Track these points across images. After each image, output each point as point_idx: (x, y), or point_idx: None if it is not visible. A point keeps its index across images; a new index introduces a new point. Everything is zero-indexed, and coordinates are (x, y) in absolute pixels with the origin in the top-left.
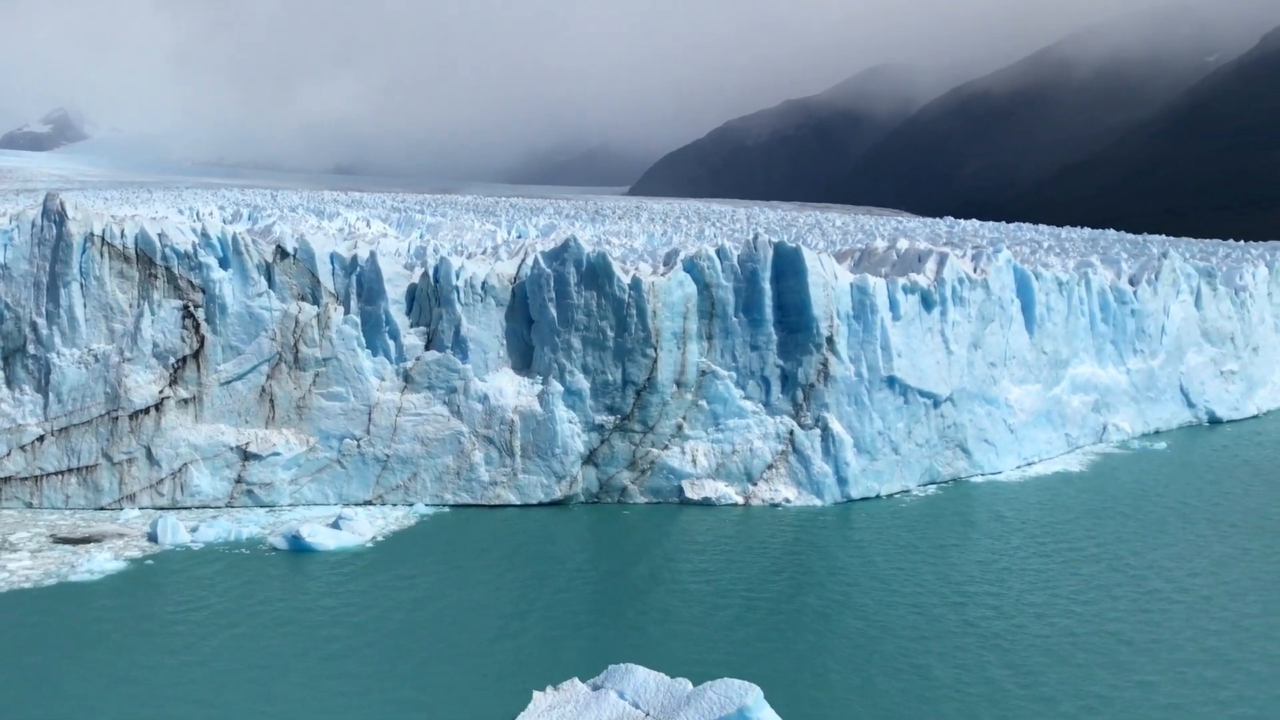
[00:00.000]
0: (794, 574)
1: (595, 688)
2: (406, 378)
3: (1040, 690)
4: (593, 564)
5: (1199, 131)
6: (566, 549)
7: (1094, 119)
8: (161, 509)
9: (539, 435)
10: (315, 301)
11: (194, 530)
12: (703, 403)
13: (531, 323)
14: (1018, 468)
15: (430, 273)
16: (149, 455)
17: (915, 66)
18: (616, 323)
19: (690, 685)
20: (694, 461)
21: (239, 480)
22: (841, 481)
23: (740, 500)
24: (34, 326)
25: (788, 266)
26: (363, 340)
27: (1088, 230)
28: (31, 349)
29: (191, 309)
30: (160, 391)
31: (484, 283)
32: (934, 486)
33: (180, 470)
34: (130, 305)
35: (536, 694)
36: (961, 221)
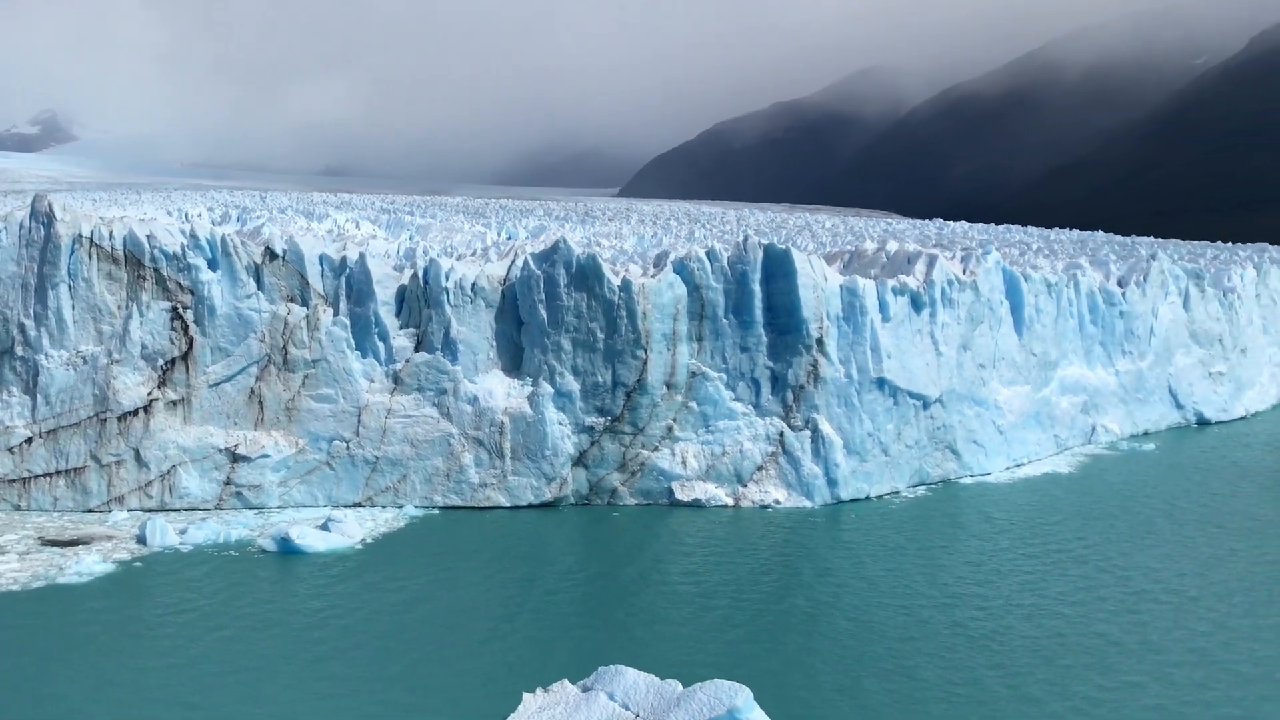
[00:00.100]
0: (783, 575)
1: (585, 689)
2: (396, 379)
3: (1027, 691)
4: (583, 565)
5: (1187, 134)
6: (556, 551)
7: (1083, 121)
8: (150, 511)
9: (529, 437)
10: (304, 303)
11: (183, 532)
12: (693, 404)
13: (521, 324)
14: (1007, 469)
15: (420, 274)
16: (137, 457)
17: (905, 69)
18: (606, 324)
19: (680, 686)
20: (684, 463)
21: (228, 482)
22: (831, 483)
23: (730, 502)
24: (22, 328)
25: (777, 268)
26: (352, 342)
27: (1076, 232)
28: (19, 351)
29: (180, 310)
30: (149, 393)
31: (474, 284)
32: (923, 488)
33: (169, 472)
34: (119, 307)
35: (526, 696)
36: (951, 223)
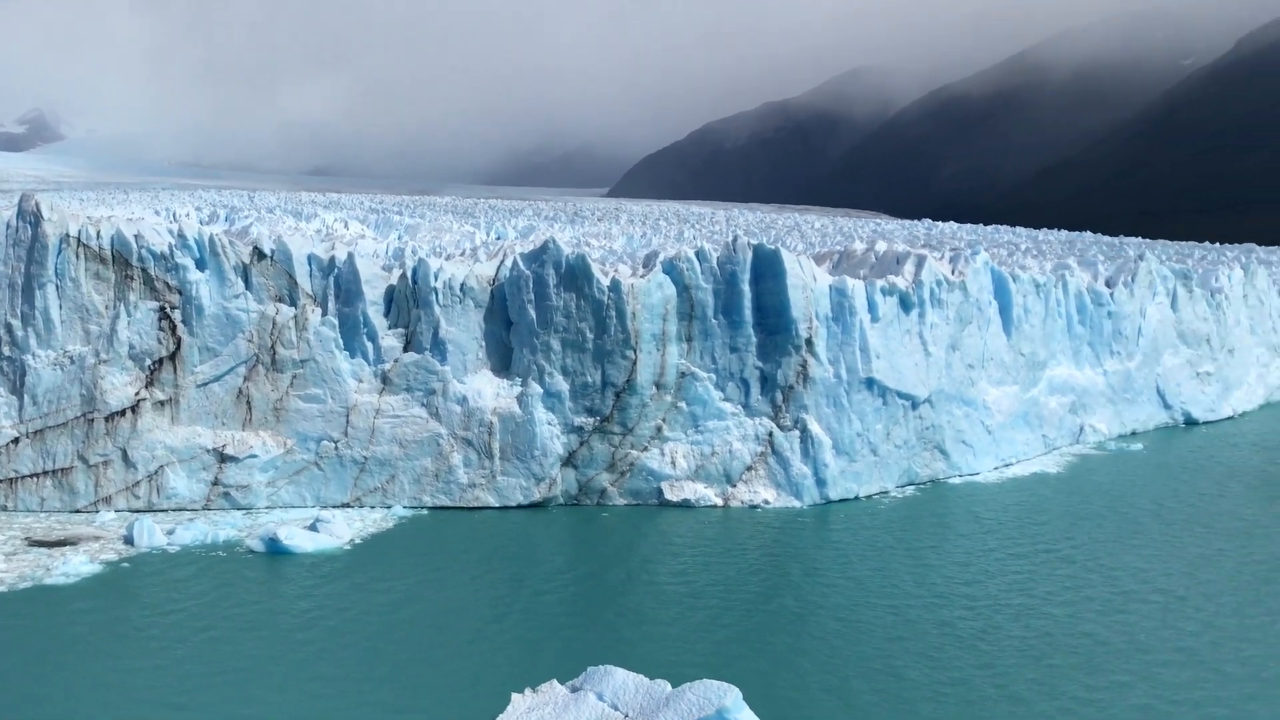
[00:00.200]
0: (772, 575)
1: (574, 689)
2: (384, 379)
3: (1015, 691)
4: (572, 566)
5: (1175, 134)
6: (545, 551)
7: (1071, 122)
8: (138, 511)
9: (518, 437)
10: (293, 303)
11: (170, 533)
12: (682, 404)
13: (510, 324)
14: (995, 469)
15: (408, 274)
16: (125, 457)
17: (894, 69)
18: (596, 324)
19: (669, 686)
20: (673, 463)
21: (216, 482)
22: (820, 483)
23: (719, 502)
24: (9, 328)
25: (767, 268)
26: (340, 342)
27: (1065, 232)
28: (6, 351)
29: (168, 310)
30: (136, 393)
31: (462, 284)
32: (912, 488)
33: (156, 473)
34: (106, 307)
35: (515, 696)
36: (939, 224)
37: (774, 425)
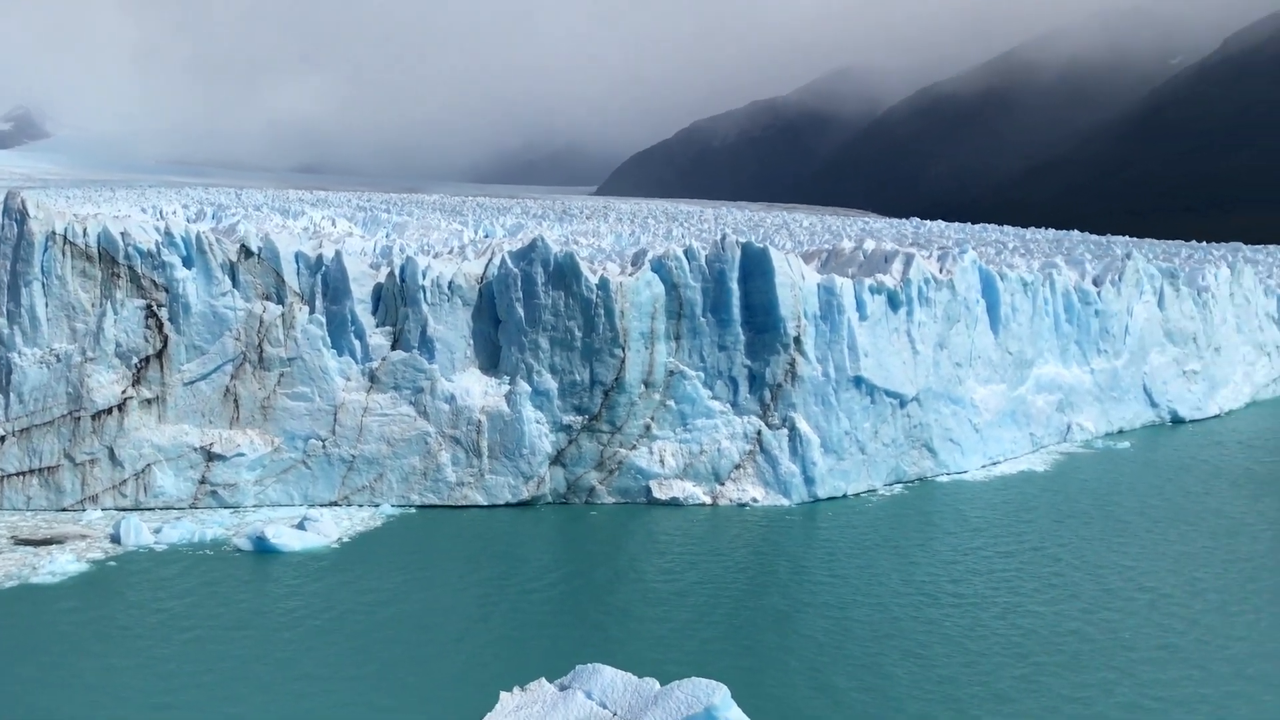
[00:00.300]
0: (760, 573)
1: (562, 688)
2: (372, 378)
3: (1000, 689)
4: (560, 564)
5: (1162, 133)
6: (534, 549)
7: (1059, 121)
8: (124, 510)
9: (506, 435)
10: (280, 301)
11: (157, 531)
12: (670, 403)
13: (499, 323)
14: (983, 467)
15: (396, 272)
16: (112, 456)
17: (882, 68)
18: (584, 323)
19: (657, 684)
20: (662, 461)
21: (203, 481)
22: (808, 481)
23: (708, 500)
24: None
25: (755, 267)
26: (328, 340)
27: (1052, 231)
28: None
29: (155, 308)
30: (123, 391)
31: (450, 282)
32: (900, 486)
33: (143, 471)
34: (93, 305)
35: (503, 694)
36: (927, 222)
37: (762, 424)
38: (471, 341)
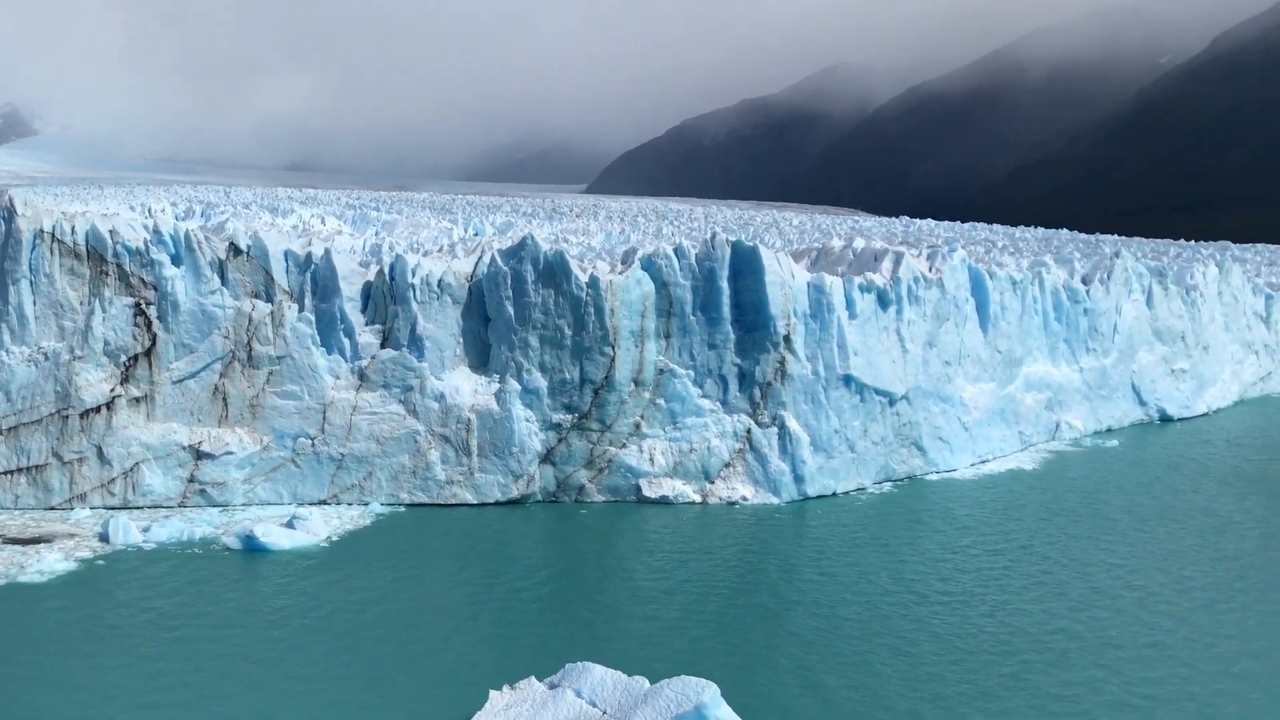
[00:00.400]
0: (749, 572)
1: (552, 686)
2: (362, 376)
3: (987, 687)
4: (549, 563)
5: (1151, 132)
6: (523, 548)
7: (1048, 120)
8: (113, 509)
9: (496, 434)
10: (269, 299)
11: (146, 530)
12: (660, 401)
13: (488, 321)
14: (972, 465)
15: (386, 270)
16: (100, 454)
17: (871, 66)
18: (574, 321)
19: (647, 683)
20: (651, 460)
21: (192, 479)
22: (798, 479)
23: (698, 499)
24: None
25: (745, 265)
26: (317, 338)
27: (1041, 230)
28: None
29: (143, 306)
30: (111, 390)
31: (440, 281)
32: (889, 484)
33: (132, 469)
34: (81, 303)
35: (493, 693)
36: (917, 221)
37: (752, 422)
38: (461, 340)
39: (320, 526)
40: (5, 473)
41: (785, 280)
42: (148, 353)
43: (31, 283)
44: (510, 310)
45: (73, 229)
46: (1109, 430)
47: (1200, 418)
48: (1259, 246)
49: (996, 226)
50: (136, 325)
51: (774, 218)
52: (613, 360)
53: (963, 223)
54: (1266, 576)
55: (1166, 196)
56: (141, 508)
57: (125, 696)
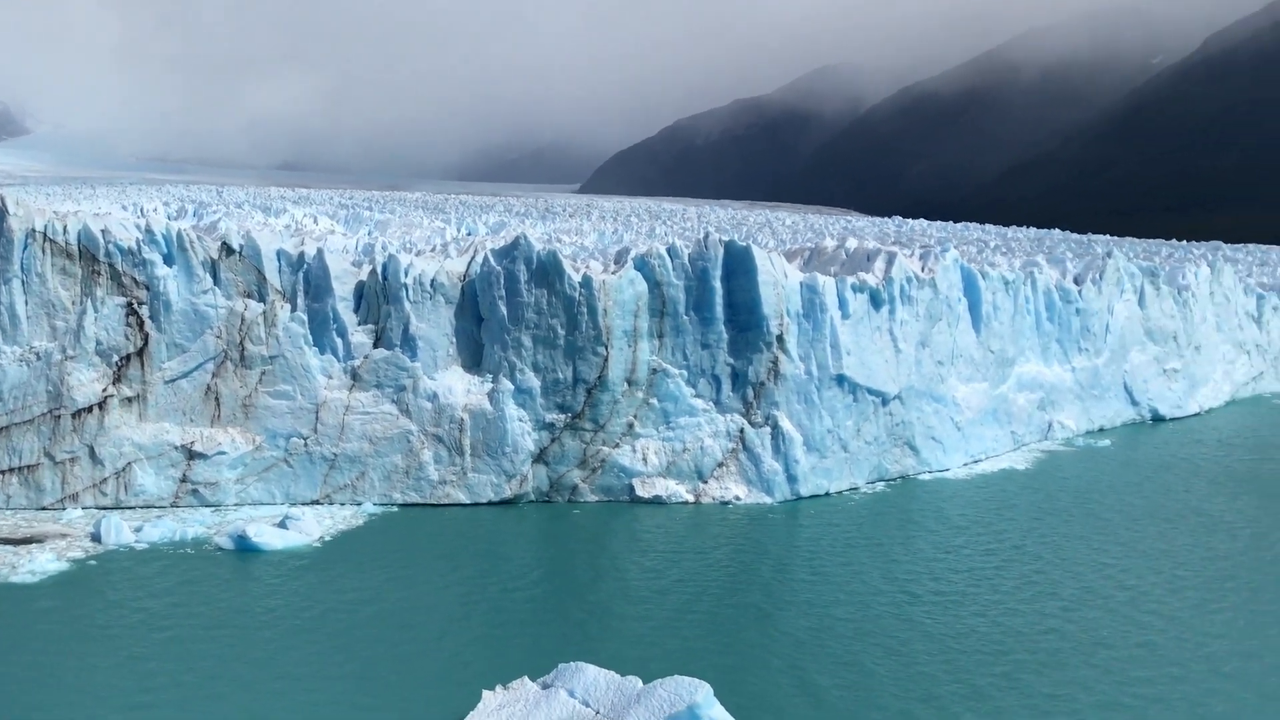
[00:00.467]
0: (742, 572)
1: (545, 686)
2: (354, 376)
3: (978, 686)
4: (543, 563)
5: (1143, 133)
6: (516, 548)
7: (1040, 120)
8: (105, 509)
9: (489, 434)
10: (261, 299)
11: (138, 530)
12: (654, 401)
13: (481, 321)
14: (965, 465)
15: (379, 270)
16: (92, 454)
17: (864, 67)
18: (567, 321)
19: (640, 683)
20: (645, 460)
21: (184, 479)
22: (791, 479)
23: (691, 498)
24: None
25: (738, 265)
26: (310, 338)
27: (1034, 230)
28: None
29: (135, 306)
30: (103, 390)
31: (433, 280)
32: (882, 484)
33: (124, 469)
34: (73, 302)
35: (486, 693)
36: (910, 221)
37: (745, 422)
38: (454, 340)
39: (313, 526)
40: None
41: (778, 280)
42: (140, 352)
43: (23, 282)
44: (503, 310)
45: (65, 228)
46: (1101, 430)
47: (1192, 417)
48: (1251, 246)
49: (989, 226)
50: (129, 325)
51: (767, 218)
52: (606, 360)
53: (955, 223)
54: (1257, 576)
55: (1159, 196)
56: (134, 508)
57: (117, 697)
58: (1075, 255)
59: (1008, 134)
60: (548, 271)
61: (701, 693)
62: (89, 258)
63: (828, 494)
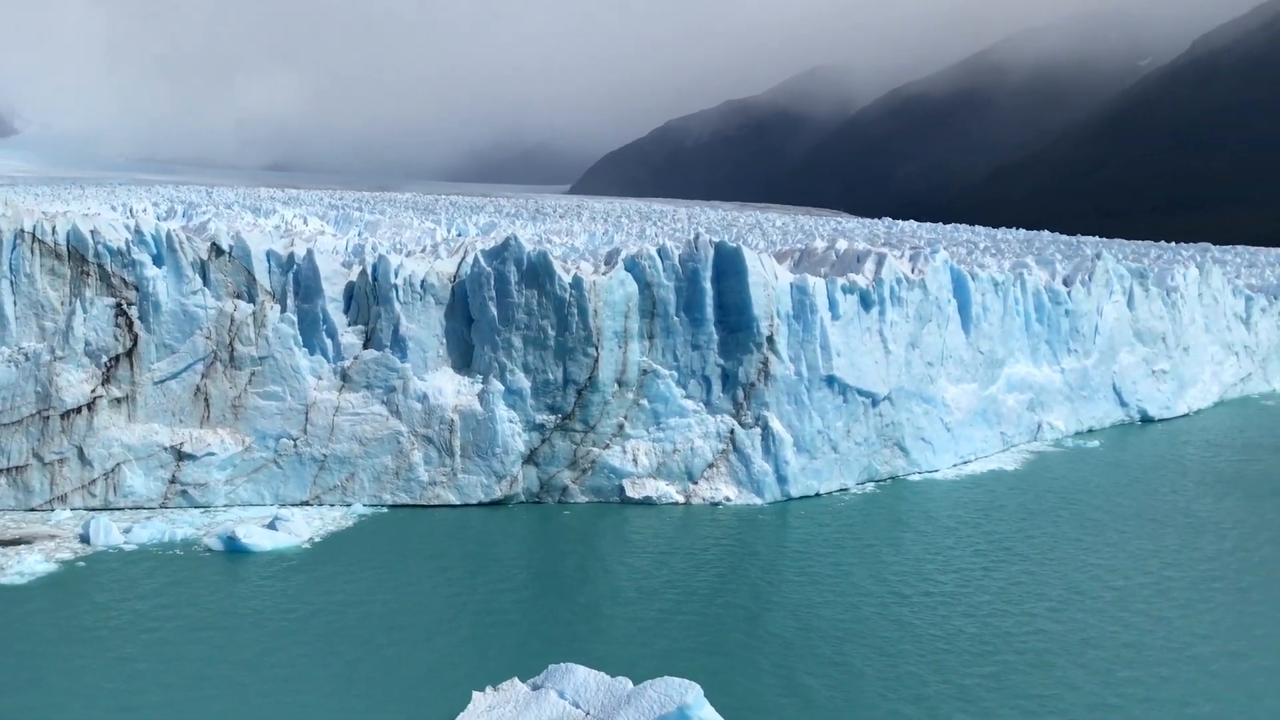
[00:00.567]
0: (732, 573)
1: (535, 687)
2: (344, 377)
3: (965, 687)
4: (533, 564)
5: (1131, 134)
6: (506, 549)
7: (1029, 121)
8: (94, 510)
9: (479, 435)
10: (251, 300)
11: (127, 531)
12: (644, 402)
13: (471, 321)
14: (954, 466)
15: (368, 271)
16: (81, 455)
17: (854, 68)
18: (557, 322)
19: (630, 684)
20: (635, 461)
21: (173, 480)
22: (781, 480)
23: (681, 499)
24: None
25: (728, 266)
26: (300, 339)
27: (1023, 231)
28: None
29: (124, 307)
30: (92, 390)
31: (423, 281)
32: (872, 485)
33: (113, 470)
34: (62, 303)
35: (476, 694)
36: (899, 222)
37: (735, 423)
38: (444, 340)
39: (302, 527)
40: None
41: (768, 281)
42: (129, 353)
43: (12, 283)
44: (493, 311)
45: (54, 229)
46: (1090, 431)
47: (1180, 418)
48: (1239, 248)
49: (978, 228)
50: (118, 326)
51: (757, 219)
52: (596, 361)
53: (945, 224)
54: (1245, 577)
55: (1147, 198)
56: (123, 509)
57: (105, 698)
58: (1064, 257)
59: (997, 135)
60: (538, 272)
61: (691, 693)
62: (78, 258)
63: (818, 495)
